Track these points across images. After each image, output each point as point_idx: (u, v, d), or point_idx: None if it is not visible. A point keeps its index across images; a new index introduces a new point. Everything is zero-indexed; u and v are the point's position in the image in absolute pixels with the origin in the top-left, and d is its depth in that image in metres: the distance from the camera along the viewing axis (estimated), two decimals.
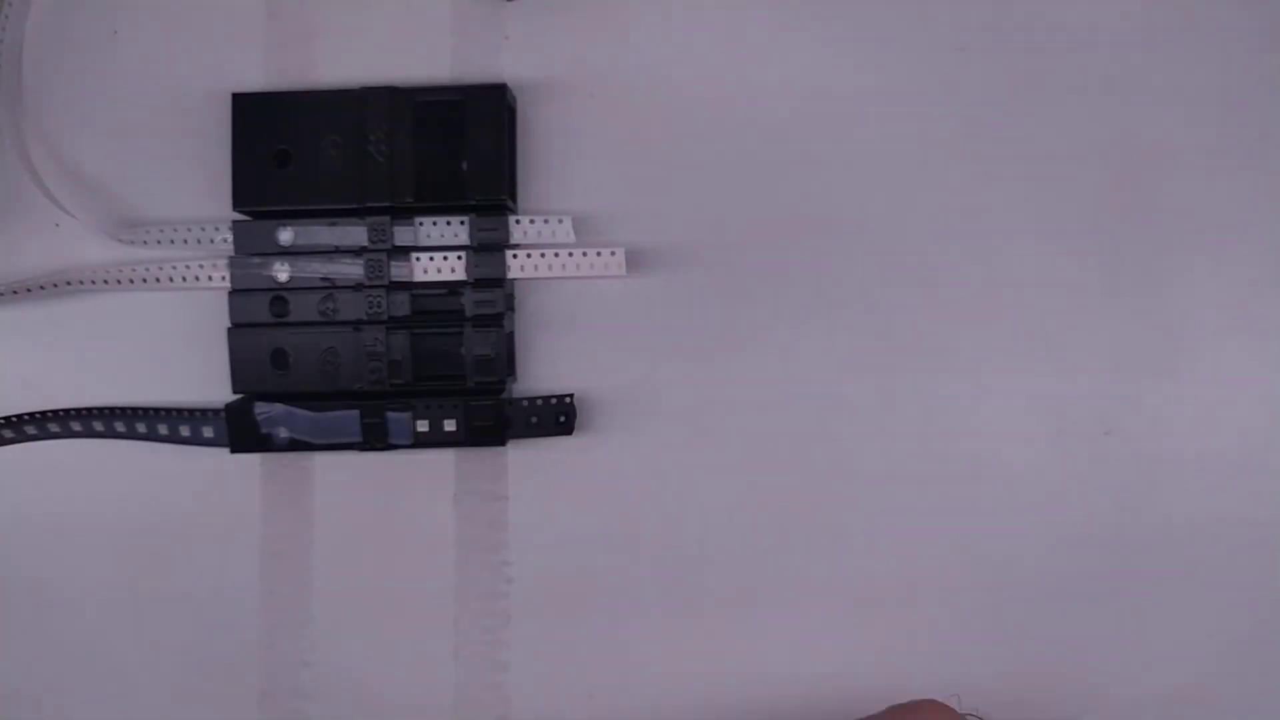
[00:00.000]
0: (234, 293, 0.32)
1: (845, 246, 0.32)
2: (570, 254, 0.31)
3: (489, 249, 0.32)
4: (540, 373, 0.33)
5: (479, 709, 0.33)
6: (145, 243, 0.32)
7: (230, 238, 0.32)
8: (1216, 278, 0.32)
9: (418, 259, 0.32)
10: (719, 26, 0.32)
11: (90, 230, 0.32)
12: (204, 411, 0.32)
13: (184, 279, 0.32)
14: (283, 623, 0.33)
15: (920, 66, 0.32)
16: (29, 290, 0.32)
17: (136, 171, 0.33)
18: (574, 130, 0.33)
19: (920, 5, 0.32)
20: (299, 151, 0.32)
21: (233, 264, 0.32)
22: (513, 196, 0.32)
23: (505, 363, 0.32)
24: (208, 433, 0.32)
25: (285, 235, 0.32)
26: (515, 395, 0.32)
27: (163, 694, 0.33)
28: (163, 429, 0.32)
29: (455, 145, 0.31)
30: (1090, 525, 0.32)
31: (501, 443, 0.32)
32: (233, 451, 0.32)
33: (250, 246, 0.32)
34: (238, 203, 0.32)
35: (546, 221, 0.32)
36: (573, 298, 0.33)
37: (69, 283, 0.32)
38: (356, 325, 0.32)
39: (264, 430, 0.32)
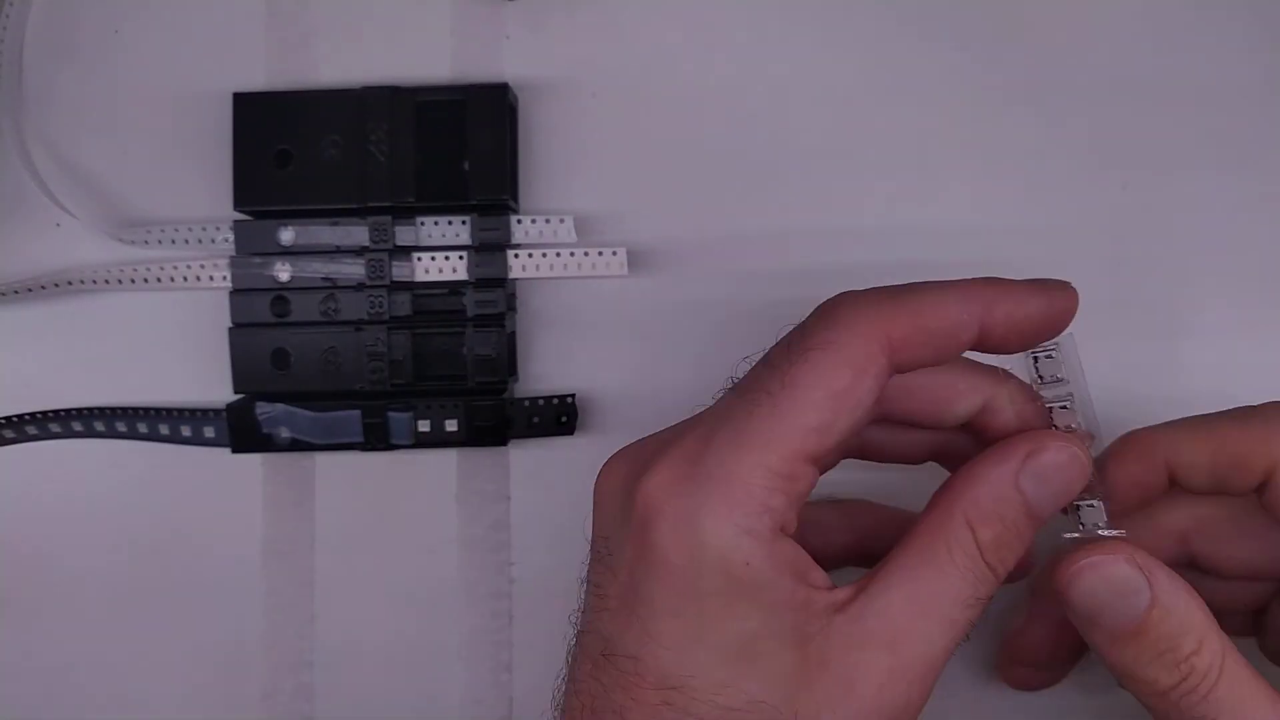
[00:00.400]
0: (235, 293, 0.32)
1: (846, 247, 0.32)
2: (572, 254, 0.31)
3: (490, 249, 0.32)
4: (542, 373, 0.33)
5: (482, 709, 0.33)
6: (146, 243, 0.32)
7: (231, 238, 0.32)
8: (1218, 278, 0.32)
9: (419, 259, 0.32)
10: (721, 26, 0.32)
11: (91, 230, 0.32)
12: (205, 411, 0.32)
13: (185, 279, 0.32)
14: (285, 623, 0.33)
15: (921, 66, 0.32)
16: (30, 290, 0.32)
17: (137, 171, 0.33)
18: (576, 130, 0.32)
19: (921, 5, 0.32)
20: (300, 151, 0.31)
21: (234, 264, 0.32)
22: (514, 196, 0.32)
23: (507, 363, 0.32)
24: (209, 433, 0.32)
25: (286, 235, 0.32)
26: (517, 395, 0.32)
27: (164, 694, 0.33)
28: (164, 429, 0.32)
29: (456, 145, 0.31)
30: None
31: (503, 443, 0.32)
32: (234, 451, 0.32)
33: (251, 246, 0.32)
34: (239, 202, 0.32)
35: (548, 221, 0.32)
36: (574, 297, 0.33)
37: (70, 283, 0.32)
38: (358, 325, 0.32)
39: (265, 430, 0.32)
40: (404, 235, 0.32)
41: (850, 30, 0.32)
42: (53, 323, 0.33)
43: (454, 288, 0.32)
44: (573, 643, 0.24)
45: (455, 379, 0.32)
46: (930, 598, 0.22)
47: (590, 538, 0.25)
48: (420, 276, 0.32)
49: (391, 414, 0.31)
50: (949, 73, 0.32)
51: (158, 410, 0.33)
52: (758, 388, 0.22)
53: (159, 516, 0.33)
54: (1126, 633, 0.22)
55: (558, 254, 0.32)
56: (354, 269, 0.32)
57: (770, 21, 0.32)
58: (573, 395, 0.32)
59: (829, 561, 0.27)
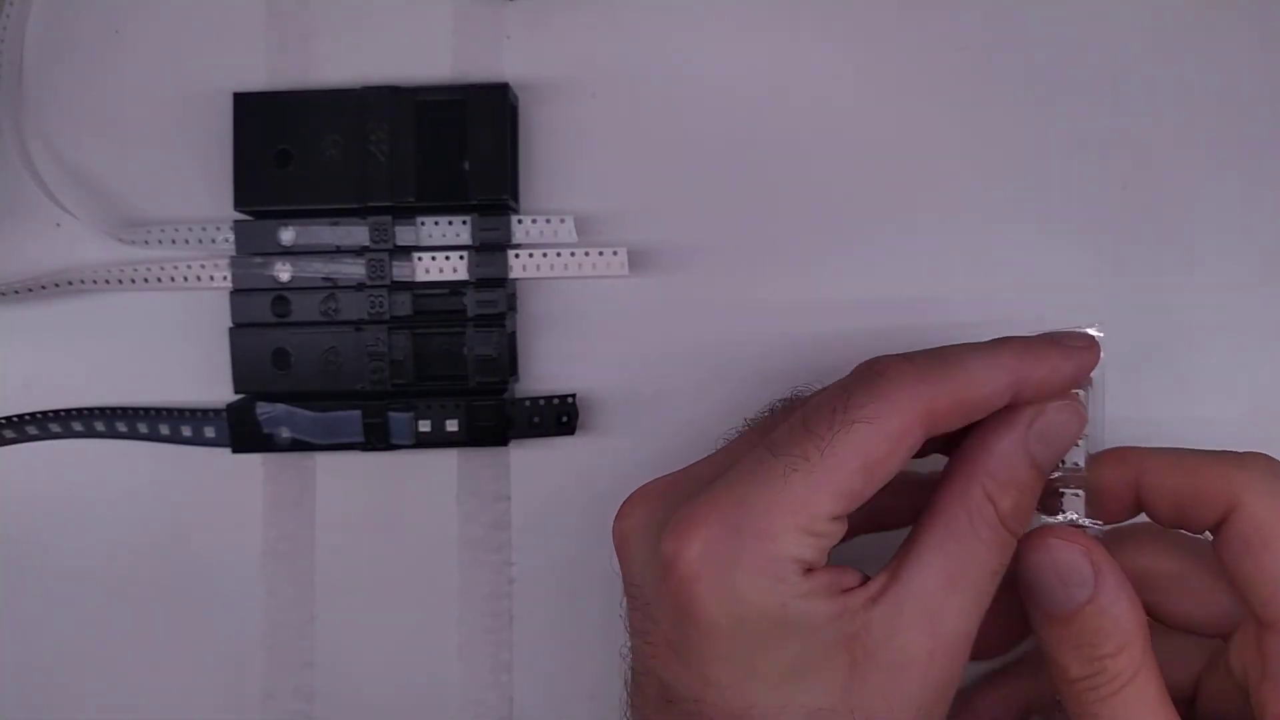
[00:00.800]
0: (235, 293, 0.32)
1: (846, 247, 0.32)
2: (572, 254, 0.31)
3: (491, 249, 0.32)
4: (542, 373, 0.33)
5: (482, 709, 0.33)
6: (146, 243, 0.32)
7: (231, 237, 0.32)
8: (1218, 277, 0.32)
9: (419, 259, 0.32)
10: (721, 26, 0.32)
11: (91, 230, 0.32)
12: (205, 412, 0.32)
13: (185, 279, 0.32)
14: (285, 623, 0.33)
15: (921, 66, 0.32)
16: (30, 290, 0.32)
17: (137, 171, 0.33)
18: (576, 130, 0.32)
19: (921, 5, 0.32)
20: (300, 151, 0.31)
21: (234, 264, 0.32)
22: (514, 196, 0.32)
23: (507, 363, 0.32)
24: (209, 433, 0.32)
25: (287, 235, 0.32)
26: (517, 395, 0.32)
27: (165, 695, 0.33)
28: (164, 429, 0.32)
29: (457, 145, 0.31)
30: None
31: (504, 443, 0.32)
32: (234, 452, 0.32)
33: (252, 246, 0.32)
34: (239, 202, 0.32)
35: (549, 221, 0.32)
36: (575, 297, 0.33)
37: (70, 282, 0.32)
38: (358, 325, 0.32)
39: (266, 430, 0.32)
40: (404, 235, 0.32)
41: (850, 30, 0.32)
42: (53, 323, 0.33)
43: (454, 288, 0.32)
44: (628, 676, 0.25)
45: (456, 379, 0.32)
46: (961, 573, 0.23)
47: (622, 578, 0.26)
48: (421, 276, 0.32)
49: (392, 414, 0.31)
50: (948, 72, 0.32)
51: (158, 410, 0.33)
52: (795, 452, 0.22)
53: (159, 517, 0.33)
54: (1058, 617, 0.23)
55: (558, 254, 0.31)
56: (354, 269, 0.32)
57: (770, 21, 0.32)
58: (573, 395, 0.32)
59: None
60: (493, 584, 0.33)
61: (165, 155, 0.33)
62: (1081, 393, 0.24)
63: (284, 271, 0.32)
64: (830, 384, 0.26)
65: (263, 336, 0.32)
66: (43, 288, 0.32)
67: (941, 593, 0.22)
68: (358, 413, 0.31)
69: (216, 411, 0.32)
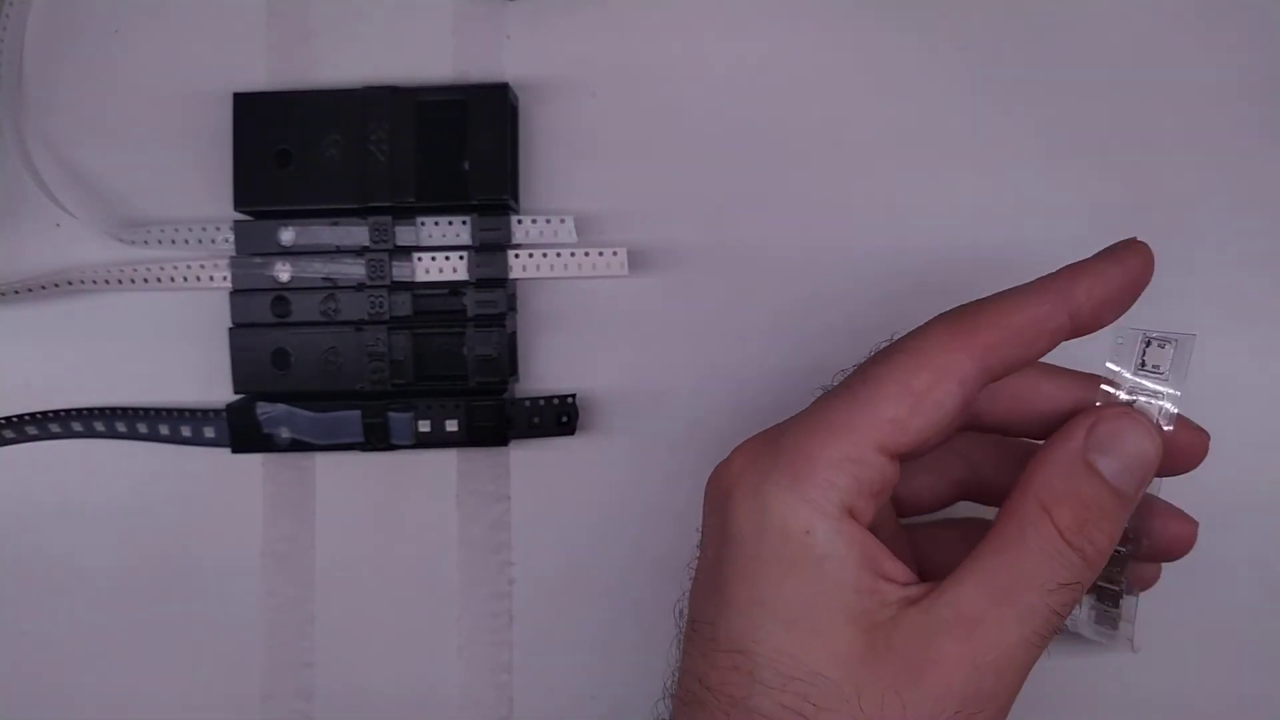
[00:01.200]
0: (235, 293, 0.32)
1: (847, 247, 0.32)
2: (572, 254, 0.31)
3: (491, 249, 0.32)
4: (542, 373, 0.33)
5: (482, 710, 0.33)
6: (146, 243, 0.32)
7: (231, 238, 0.32)
8: (1218, 277, 0.32)
9: (419, 259, 0.32)
10: (721, 26, 0.32)
11: (91, 230, 0.32)
12: (205, 412, 0.32)
13: (185, 279, 0.32)
14: (285, 623, 0.33)
15: (922, 66, 0.32)
16: (30, 290, 0.32)
17: (137, 171, 0.33)
18: (576, 130, 0.32)
19: (921, 5, 0.32)
20: (300, 151, 0.31)
21: (234, 264, 0.32)
22: (514, 196, 0.32)
23: (507, 363, 0.32)
24: (209, 433, 0.32)
25: (287, 235, 0.32)
26: (517, 395, 0.32)
27: (165, 695, 0.33)
28: (163, 429, 0.32)
29: (457, 145, 0.31)
30: None
31: (504, 443, 0.32)
32: (234, 452, 0.32)
33: (251, 246, 0.32)
34: (239, 202, 0.32)
35: (549, 221, 0.32)
36: (575, 298, 0.33)
37: (70, 283, 0.32)
38: (358, 325, 0.32)
39: (265, 430, 0.32)
40: (404, 235, 0.32)
41: (850, 29, 0.32)
42: (53, 323, 0.33)
43: (454, 288, 0.32)
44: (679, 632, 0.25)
45: (456, 379, 0.32)
46: (1005, 584, 0.21)
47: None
48: (421, 276, 0.32)
49: (392, 414, 0.31)
50: (948, 72, 0.32)
51: (158, 410, 0.33)
52: (841, 386, 0.23)
53: (159, 517, 0.33)
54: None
55: (558, 254, 0.31)
56: (354, 269, 0.32)
57: (771, 21, 0.32)
58: (573, 395, 0.32)
59: (943, 498, 0.27)
60: (493, 584, 0.33)
61: (165, 155, 0.33)
62: (1172, 345, 0.23)
63: (284, 271, 0.32)
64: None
65: (263, 336, 0.32)
66: (43, 288, 0.32)
67: (981, 603, 0.21)
68: (358, 413, 0.31)
69: (216, 411, 0.32)
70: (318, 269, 0.32)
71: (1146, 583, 0.26)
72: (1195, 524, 0.26)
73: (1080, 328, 0.23)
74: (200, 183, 0.33)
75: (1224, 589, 0.32)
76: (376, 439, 0.32)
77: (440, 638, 0.33)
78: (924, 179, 0.32)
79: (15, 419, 0.33)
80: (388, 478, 0.33)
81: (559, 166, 0.33)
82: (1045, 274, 0.23)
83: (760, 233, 0.32)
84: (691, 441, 0.32)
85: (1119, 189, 0.32)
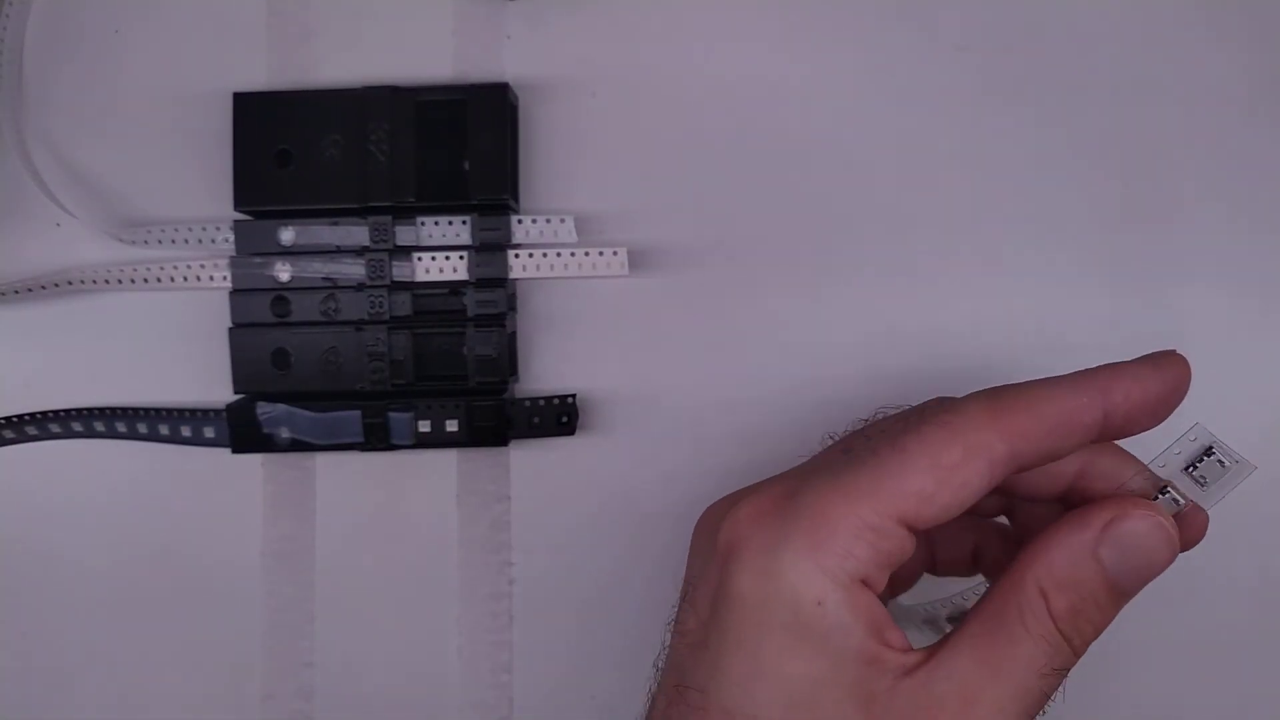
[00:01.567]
0: (235, 293, 0.32)
1: (847, 247, 0.32)
2: (572, 254, 0.31)
3: (491, 249, 0.32)
4: (542, 373, 0.33)
5: (482, 710, 0.33)
6: (146, 243, 0.32)
7: (231, 237, 0.32)
8: (1219, 276, 0.32)
9: (419, 259, 0.32)
10: (721, 26, 0.32)
11: (91, 230, 0.32)
12: (205, 412, 0.32)
13: (185, 279, 0.32)
14: (285, 623, 0.33)
15: (921, 66, 0.32)
16: (30, 290, 0.32)
17: (137, 171, 0.33)
18: (576, 130, 0.32)
19: (921, 5, 0.32)
20: (300, 151, 0.31)
21: (234, 264, 0.32)
22: (515, 196, 0.32)
23: (507, 363, 0.32)
24: (209, 433, 0.32)
25: (287, 235, 0.32)
26: (517, 395, 0.32)
27: (165, 694, 0.33)
28: (164, 429, 0.32)
29: (457, 144, 0.31)
30: None
31: (504, 443, 0.32)
32: (234, 452, 0.32)
33: (251, 246, 0.32)
34: (239, 202, 0.32)
35: (549, 221, 0.32)
36: (575, 297, 0.33)
37: (70, 283, 0.32)
38: (358, 325, 0.32)
39: (265, 430, 0.32)
40: (404, 235, 0.32)
41: (850, 29, 0.32)
42: (53, 323, 0.33)
43: (454, 288, 0.32)
44: (654, 685, 0.24)
45: (456, 379, 0.32)
46: (1002, 662, 0.21)
47: (683, 581, 0.25)
48: (421, 276, 0.32)
49: (392, 414, 0.31)
50: (948, 72, 0.32)
51: (158, 410, 0.33)
52: (865, 449, 0.22)
53: (159, 517, 0.33)
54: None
55: (558, 254, 0.31)
56: (354, 269, 0.32)
57: (771, 21, 0.32)
58: (573, 395, 0.32)
59: (953, 566, 0.27)
60: (493, 584, 0.33)
61: (165, 155, 0.33)
62: (1234, 466, 0.22)
63: (284, 271, 0.32)
64: (916, 406, 0.25)
65: (263, 336, 0.32)
66: (43, 288, 0.32)
67: (978, 679, 0.21)
68: (358, 413, 0.31)
69: (216, 411, 0.32)
70: (318, 269, 0.32)
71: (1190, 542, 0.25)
72: (1205, 514, 0.25)
73: (1110, 429, 0.22)
74: (200, 183, 0.33)
75: (1224, 590, 0.32)
76: (376, 439, 0.31)
77: (440, 638, 0.33)
78: (924, 179, 0.32)
79: (15, 419, 0.33)
80: (388, 478, 0.33)
81: (559, 166, 0.33)
82: (1084, 369, 0.23)
83: (760, 233, 0.32)
84: (691, 441, 0.32)
85: (1119, 189, 0.32)
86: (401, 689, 0.33)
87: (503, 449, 0.33)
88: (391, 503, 0.33)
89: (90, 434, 0.33)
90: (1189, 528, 0.23)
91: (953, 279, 0.32)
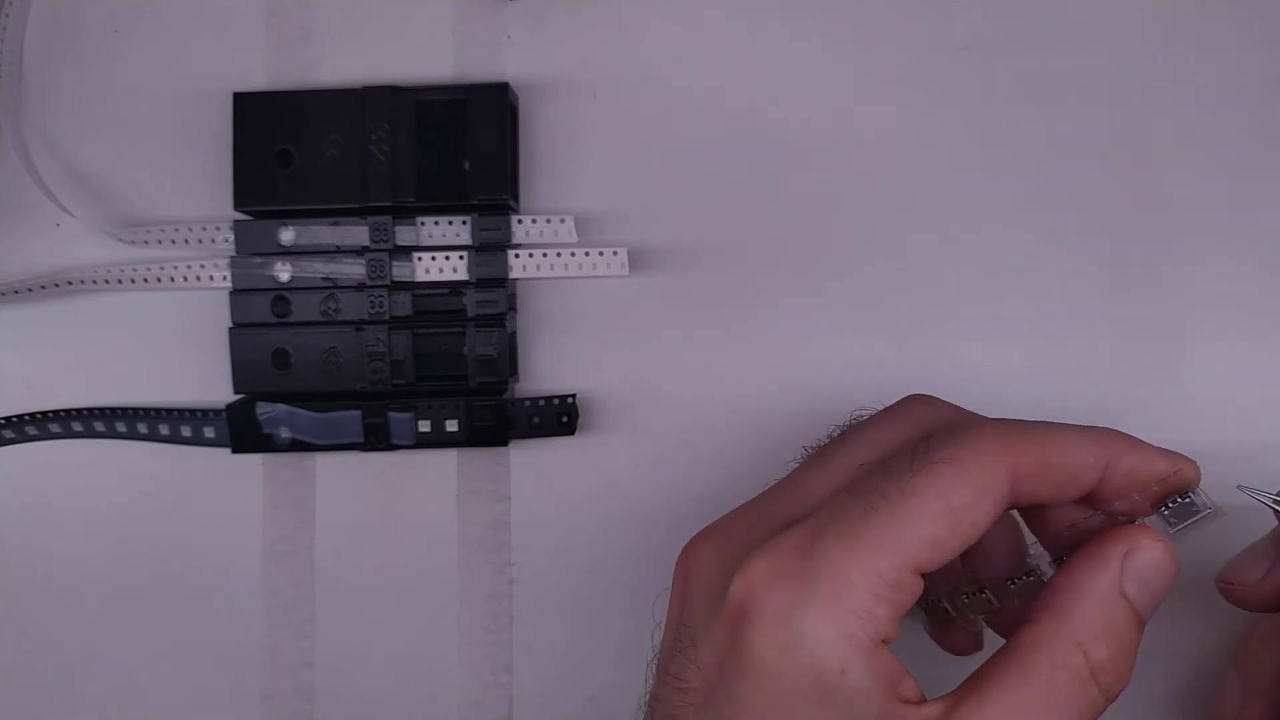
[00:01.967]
0: (235, 293, 0.32)
1: (847, 247, 0.32)
2: (573, 254, 0.31)
3: (491, 249, 0.32)
4: (542, 373, 0.33)
5: (482, 710, 0.33)
6: (146, 243, 0.32)
7: (231, 237, 0.32)
8: (1220, 276, 0.32)
9: (419, 259, 0.32)
10: (721, 26, 0.32)
11: (91, 230, 0.32)
12: (205, 412, 0.32)
13: (185, 279, 0.32)
14: (285, 624, 0.33)
15: (922, 66, 0.32)
16: (29, 290, 0.32)
17: (137, 171, 0.33)
18: (576, 130, 0.32)
19: (921, 5, 0.32)
20: (300, 151, 0.31)
21: (234, 264, 0.32)
22: (515, 196, 0.32)
23: (507, 363, 0.32)
24: (209, 433, 0.32)
25: (287, 235, 0.32)
26: (517, 395, 0.32)
27: (164, 694, 0.33)
28: (164, 429, 0.32)
29: (457, 144, 0.31)
30: None
31: (504, 443, 0.32)
32: (234, 452, 0.32)
33: (251, 246, 0.32)
34: (239, 202, 0.32)
35: (549, 221, 0.32)
36: (575, 297, 0.33)
37: (69, 283, 0.32)
38: (358, 325, 0.32)
39: (265, 430, 0.32)
40: (404, 235, 0.32)
41: (850, 29, 0.32)
42: (53, 323, 0.33)
43: (454, 288, 0.32)
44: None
45: (456, 379, 0.32)
46: (1034, 716, 0.20)
47: (667, 619, 0.24)
48: (421, 276, 0.32)
49: (392, 414, 0.31)
50: (948, 71, 0.32)
51: (158, 410, 0.33)
52: (874, 491, 0.21)
53: (159, 517, 0.33)
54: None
55: (558, 254, 0.31)
56: (354, 269, 0.32)
57: (771, 21, 0.32)
58: (573, 395, 0.32)
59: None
60: (493, 584, 0.33)
61: (165, 155, 0.33)
62: (1200, 513, 0.23)
63: (284, 271, 0.32)
64: (891, 407, 0.25)
65: (263, 336, 0.32)
66: (42, 288, 0.32)
67: None
68: (358, 413, 0.31)
69: (216, 411, 0.32)
70: (318, 269, 0.32)
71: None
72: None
73: (1097, 494, 0.22)
74: (200, 183, 0.33)
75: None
76: (377, 439, 0.31)
77: (440, 638, 0.33)
78: (925, 178, 0.32)
79: (15, 419, 0.33)
80: (388, 478, 0.33)
81: (559, 166, 0.33)
82: (1099, 427, 0.23)
83: (760, 232, 0.32)
84: (691, 441, 0.32)
85: (1119, 189, 0.32)
86: (401, 689, 0.33)
87: (503, 449, 0.33)
88: (391, 503, 0.33)
89: (90, 434, 0.33)
90: None
91: (954, 280, 0.32)
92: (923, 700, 0.21)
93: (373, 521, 0.33)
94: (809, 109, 0.32)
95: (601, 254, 0.31)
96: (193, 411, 0.32)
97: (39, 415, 0.33)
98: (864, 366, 0.32)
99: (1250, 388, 0.32)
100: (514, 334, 0.32)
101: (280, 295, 0.32)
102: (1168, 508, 0.23)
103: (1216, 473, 0.26)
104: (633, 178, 0.32)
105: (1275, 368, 0.32)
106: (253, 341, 0.32)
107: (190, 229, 0.32)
